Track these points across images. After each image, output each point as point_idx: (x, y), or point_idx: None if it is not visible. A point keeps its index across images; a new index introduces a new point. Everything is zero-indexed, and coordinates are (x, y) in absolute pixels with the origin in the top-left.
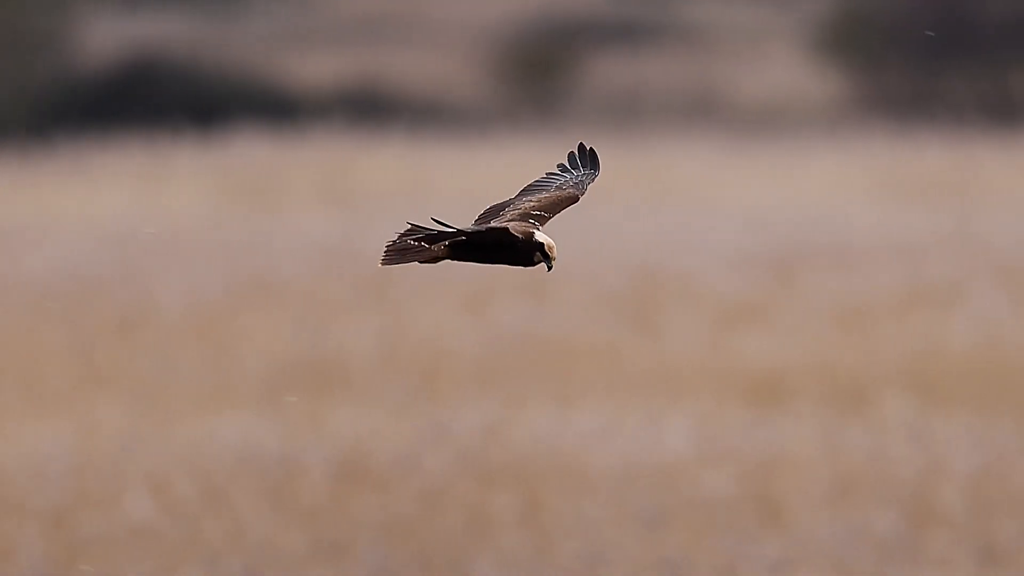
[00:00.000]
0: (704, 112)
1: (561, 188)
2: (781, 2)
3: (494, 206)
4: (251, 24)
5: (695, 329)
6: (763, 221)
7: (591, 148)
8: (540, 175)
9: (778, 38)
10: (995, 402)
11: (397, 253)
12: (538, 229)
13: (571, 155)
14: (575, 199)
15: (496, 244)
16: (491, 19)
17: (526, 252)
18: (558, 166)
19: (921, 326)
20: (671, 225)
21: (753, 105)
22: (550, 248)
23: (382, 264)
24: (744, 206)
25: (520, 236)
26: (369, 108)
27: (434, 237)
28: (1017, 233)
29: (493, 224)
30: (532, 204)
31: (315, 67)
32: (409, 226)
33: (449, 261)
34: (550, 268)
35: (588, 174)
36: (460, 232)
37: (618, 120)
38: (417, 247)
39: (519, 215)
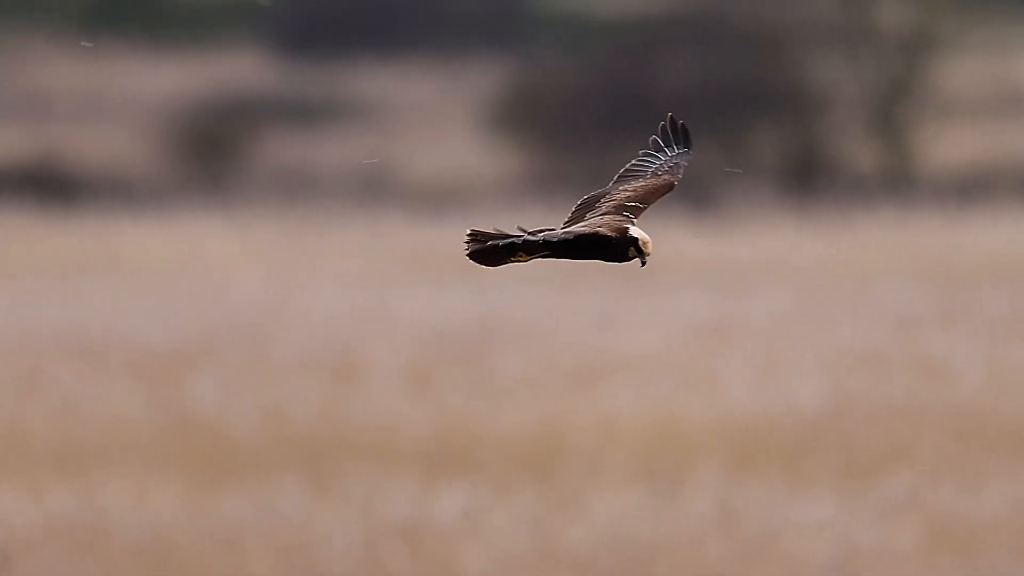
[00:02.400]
0: (378, 189)
1: (656, 174)
2: (455, 78)
3: (589, 197)
4: None
5: (383, 398)
6: (444, 296)
7: (682, 123)
8: (631, 161)
9: (452, 115)
10: (673, 473)
11: (485, 253)
12: (632, 223)
13: (662, 130)
14: (671, 186)
15: (590, 243)
16: (166, 95)
17: (620, 249)
18: (651, 144)
19: (592, 400)
20: (357, 300)
21: (427, 182)
22: (644, 243)
23: (470, 257)
24: (430, 281)
25: (613, 234)
26: (47, 185)
27: (526, 245)
28: (682, 309)
29: (583, 227)
30: (628, 194)
31: None
32: (494, 231)
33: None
34: (644, 264)
35: (682, 154)
36: (548, 244)
37: (292, 197)
38: (506, 250)
39: (614, 207)
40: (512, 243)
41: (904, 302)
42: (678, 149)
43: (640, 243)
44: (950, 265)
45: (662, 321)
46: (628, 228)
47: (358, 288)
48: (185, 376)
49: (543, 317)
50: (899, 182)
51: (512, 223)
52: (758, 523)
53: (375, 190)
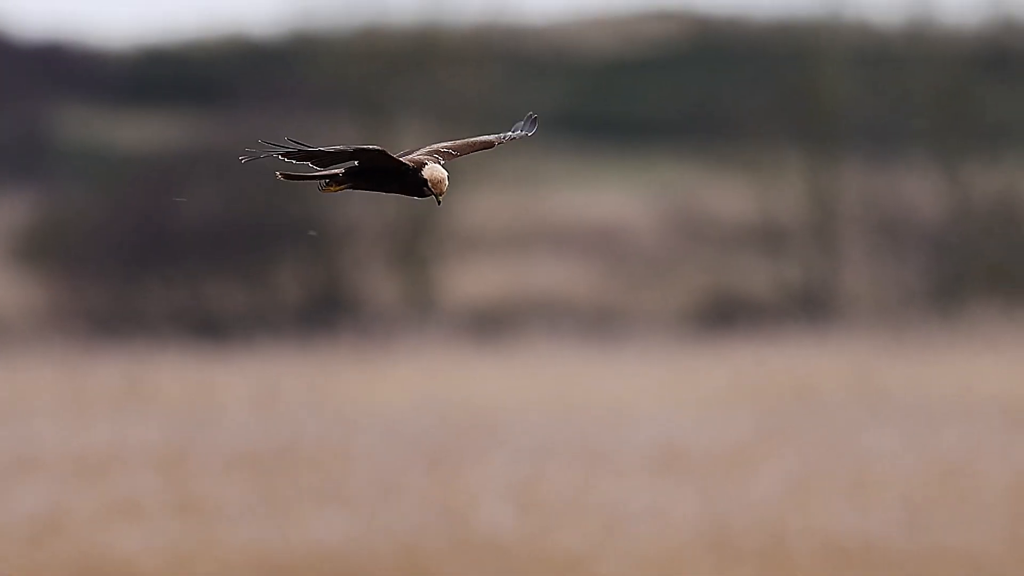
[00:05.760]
0: None
1: (486, 134)
2: None
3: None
4: None
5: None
6: None
7: (536, 116)
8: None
9: None
10: None
11: (297, 173)
12: (438, 164)
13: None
14: (491, 145)
15: (386, 171)
16: None
17: (414, 182)
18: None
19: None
20: None
21: None
22: (436, 182)
23: (282, 177)
24: None
25: (409, 164)
26: None
27: (308, 155)
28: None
29: (375, 149)
30: (448, 145)
31: None
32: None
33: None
34: (439, 203)
35: (521, 133)
36: (349, 174)
37: None
38: (315, 171)
39: (427, 152)
40: (323, 176)
41: (428, 436)
42: (522, 131)
43: (430, 182)
44: (472, 398)
45: (166, 454)
46: (425, 164)
47: None
48: None
49: (52, 447)
50: (421, 315)
51: (41, 358)
52: None
53: None
